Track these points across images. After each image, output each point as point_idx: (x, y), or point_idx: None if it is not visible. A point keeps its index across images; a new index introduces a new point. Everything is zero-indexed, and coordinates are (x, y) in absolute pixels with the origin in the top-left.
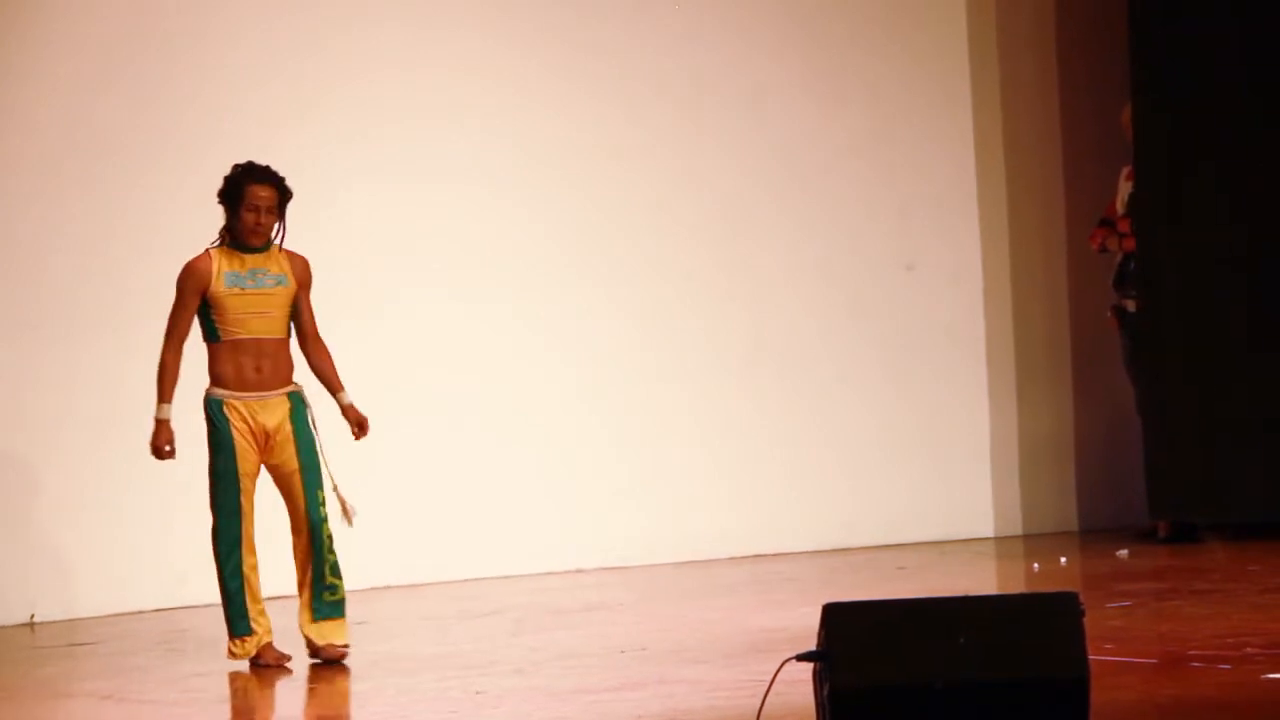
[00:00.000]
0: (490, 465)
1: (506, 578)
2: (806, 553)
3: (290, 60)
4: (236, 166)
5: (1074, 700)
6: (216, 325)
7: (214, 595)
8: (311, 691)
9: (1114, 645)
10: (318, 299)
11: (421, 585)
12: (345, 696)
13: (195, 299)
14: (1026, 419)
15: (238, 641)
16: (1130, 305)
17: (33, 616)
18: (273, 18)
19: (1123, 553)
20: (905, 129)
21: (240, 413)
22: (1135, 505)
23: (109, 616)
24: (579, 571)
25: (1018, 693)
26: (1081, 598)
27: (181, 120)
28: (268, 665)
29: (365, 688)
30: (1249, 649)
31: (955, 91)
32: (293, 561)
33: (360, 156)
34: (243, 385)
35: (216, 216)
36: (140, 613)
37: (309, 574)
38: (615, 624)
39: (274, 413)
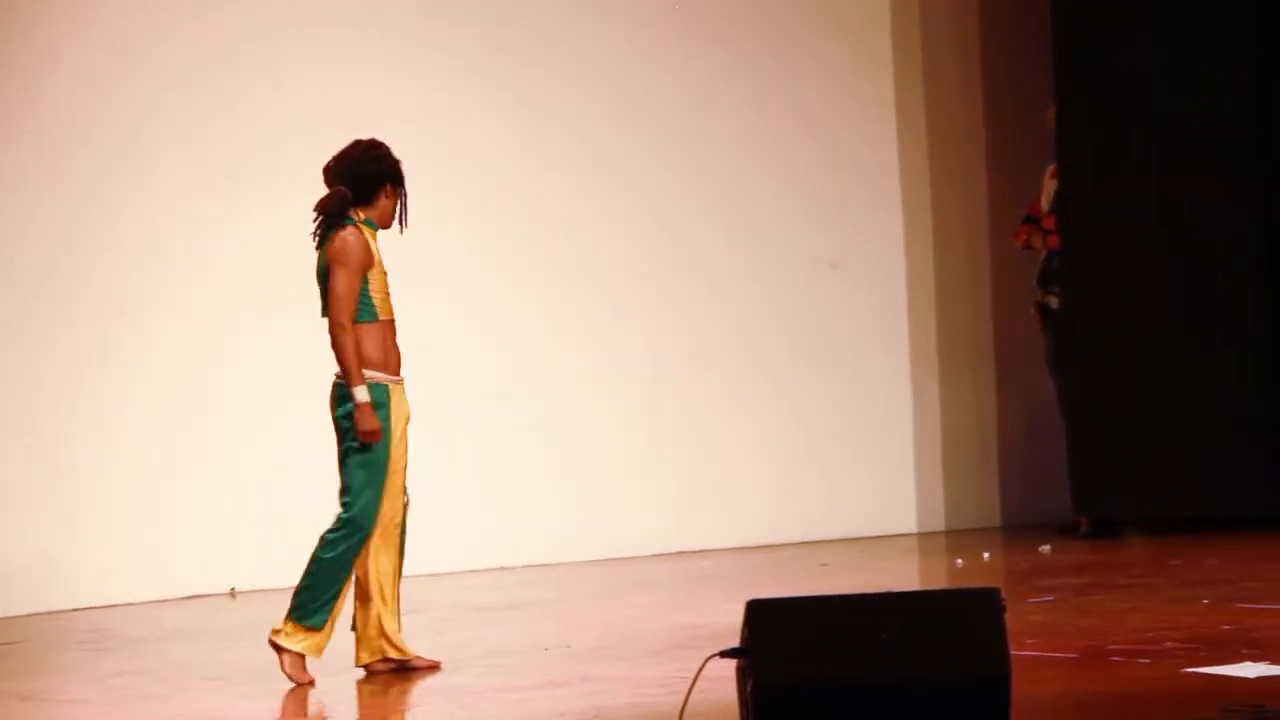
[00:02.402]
0: (413, 463)
1: (430, 576)
2: (730, 549)
3: (287, 60)
4: (374, 146)
5: (995, 695)
6: (374, 304)
7: (135, 594)
8: (230, 691)
9: (1035, 640)
10: (287, 293)
11: None
12: (267, 696)
13: (362, 276)
14: (949, 415)
15: (305, 631)
16: (1054, 302)
17: None
18: (273, 16)
19: (1045, 548)
20: (829, 128)
21: (397, 399)
22: (1057, 501)
23: (29, 616)
24: (502, 569)
25: (940, 688)
26: (1003, 593)
27: (176, 119)
28: (295, 681)
29: (285, 687)
30: (1169, 643)
31: (879, 90)
32: (376, 566)
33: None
34: (390, 369)
35: (201, 211)
36: (60, 612)
37: (398, 579)
38: (539, 621)
39: (407, 400)
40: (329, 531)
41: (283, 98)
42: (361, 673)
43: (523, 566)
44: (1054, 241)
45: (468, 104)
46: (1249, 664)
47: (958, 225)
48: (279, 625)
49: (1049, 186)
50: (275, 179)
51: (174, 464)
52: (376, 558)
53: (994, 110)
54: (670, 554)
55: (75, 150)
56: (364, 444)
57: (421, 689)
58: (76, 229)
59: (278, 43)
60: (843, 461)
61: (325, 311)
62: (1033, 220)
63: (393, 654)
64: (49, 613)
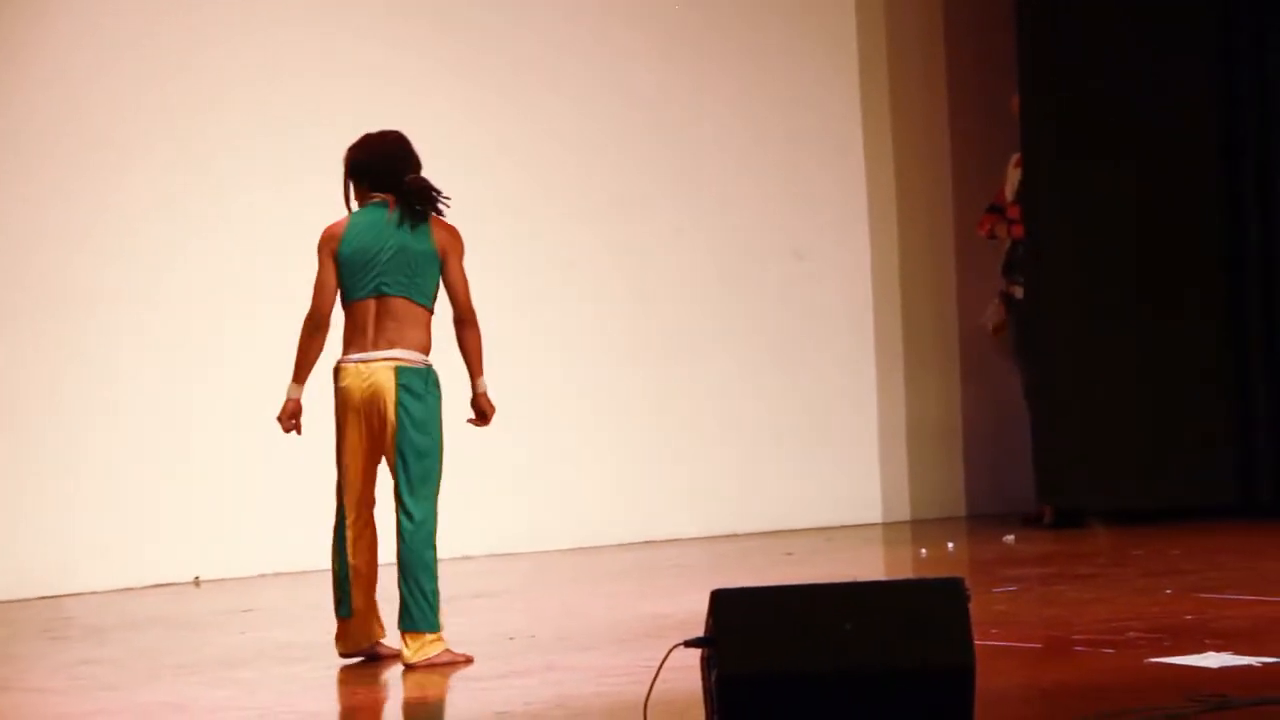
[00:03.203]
0: None
1: (394, 565)
2: (696, 539)
3: (265, 58)
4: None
5: (959, 685)
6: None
7: (100, 582)
8: (195, 679)
9: (999, 630)
10: (260, 289)
11: (308, 572)
12: (232, 684)
13: None
14: (914, 405)
15: (439, 637)
16: (1018, 292)
17: None
18: (254, 15)
19: (1009, 538)
20: (794, 120)
21: None
22: (1022, 490)
23: None
24: (467, 558)
25: (904, 678)
26: (967, 583)
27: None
28: (451, 662)
29: (251, 676)
30: (1132, 633)
31: (844, 82)
32: (371, 558)
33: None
34: None
35: (181, 208)
36: (25, 600)
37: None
38: (504, 611)
39: None
40: (425, 533)
41: (260, 95)
42: (333, 661)
43: (486, 556)
44: (1018, 231)
45: (439, 99)
46: (1212, 654)
47: (922, 215)
48: (410, 649)
49: (1013, 176)
50: (253, 176)
51: (140, 453)
52: (371, 550)
53: (959, 100)
54: (635, 543)
55: (55, 146)
56: (434, 432)
57: (388, 678)
58: (53, 224)
59: (256, 41)
60: (808, 451)
61: (416, 296)
62: (997, 210)
63: (366, 644)
64: (13, 601)
